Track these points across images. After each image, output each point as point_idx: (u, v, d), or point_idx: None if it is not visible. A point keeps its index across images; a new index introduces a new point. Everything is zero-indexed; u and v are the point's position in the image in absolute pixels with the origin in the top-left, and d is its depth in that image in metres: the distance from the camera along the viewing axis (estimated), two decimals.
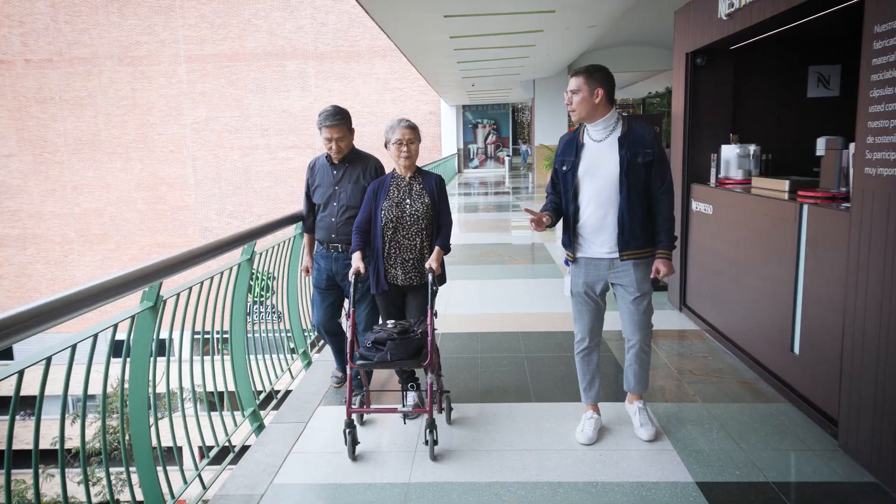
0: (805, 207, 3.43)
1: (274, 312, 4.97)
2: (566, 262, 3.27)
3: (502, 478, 2.90)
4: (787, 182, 3.94)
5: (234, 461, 3.34)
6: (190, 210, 28.02)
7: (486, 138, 29.67)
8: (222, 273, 3.58)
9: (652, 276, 3.05)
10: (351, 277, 3.34)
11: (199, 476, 3.04)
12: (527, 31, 10.43)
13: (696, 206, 5.06)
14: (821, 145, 3.67)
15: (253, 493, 2.87)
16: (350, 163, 3.75)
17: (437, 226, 3.49)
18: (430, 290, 3.31)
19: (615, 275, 3.10)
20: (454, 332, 5.09)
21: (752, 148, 4.74)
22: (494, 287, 6.75)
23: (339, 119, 3.63)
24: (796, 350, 3.53)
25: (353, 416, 3.21)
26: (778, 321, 3.72)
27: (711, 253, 4.80)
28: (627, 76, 16.56)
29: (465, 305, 6.00)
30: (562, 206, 3.18)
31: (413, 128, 3.46)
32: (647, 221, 3.04)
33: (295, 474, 3.03)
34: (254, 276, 4.17)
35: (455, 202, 16.06)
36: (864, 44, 2.74)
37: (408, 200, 3.45)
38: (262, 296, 4.74)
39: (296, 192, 27.72)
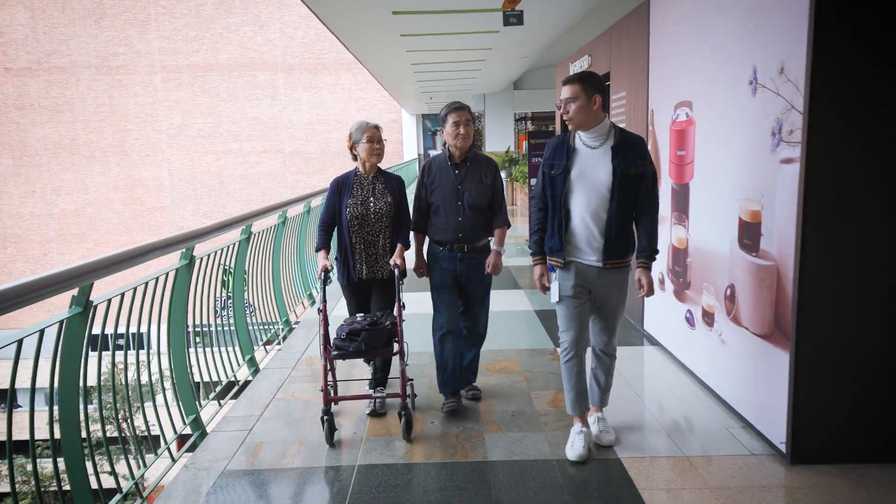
0: None
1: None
2: (550, 269, 3.16)
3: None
4: None
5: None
6: (166, 211, 28.63)
7: (444, 144, 30.79)
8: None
9: (640, 293, 3.04)
10: (319, 275, 3.41)
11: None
12: (472, 60, 13.00)
13: None
14: None
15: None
16: (472, 162, 3.67)
17: (398, 223, 3.60)
18: (396, 285, 3.44)
19: (598, 281, 3.05)
20: None
21: None
22: None
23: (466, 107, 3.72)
24: None
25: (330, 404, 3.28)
26: None
27: None
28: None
29: None
30: (548, 212, 3.09)
31: (380, 128, 3.61)
32: (630, 232, 3.03)
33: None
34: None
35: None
36: (609, 104, 5.80)
37: (371, 199, 3.54)
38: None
39: (267, 193, 28.43)
